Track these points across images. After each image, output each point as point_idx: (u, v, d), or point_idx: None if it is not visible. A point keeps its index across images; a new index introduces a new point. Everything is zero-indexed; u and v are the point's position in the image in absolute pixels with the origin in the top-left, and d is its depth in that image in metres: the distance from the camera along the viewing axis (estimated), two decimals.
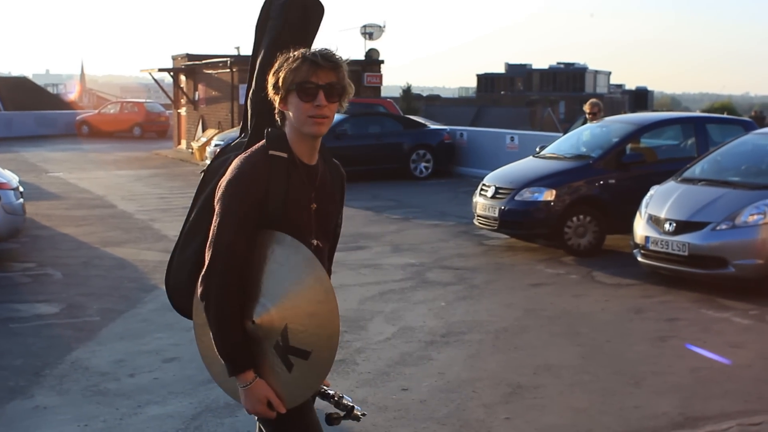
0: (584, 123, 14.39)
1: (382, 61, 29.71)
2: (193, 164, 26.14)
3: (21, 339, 7.87)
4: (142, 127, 41.57)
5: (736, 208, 9.44)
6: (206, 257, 2.88)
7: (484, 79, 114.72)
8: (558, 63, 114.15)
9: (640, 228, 10.16)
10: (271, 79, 2.96)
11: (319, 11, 3.30)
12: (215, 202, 2.92)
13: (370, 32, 30.31)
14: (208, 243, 2.89)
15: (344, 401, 3.12)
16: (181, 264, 3.16)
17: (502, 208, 11.91)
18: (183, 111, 32.84)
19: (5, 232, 11.12)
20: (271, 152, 2.94)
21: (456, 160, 22.57)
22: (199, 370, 6.94)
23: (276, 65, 2.95)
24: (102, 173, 23.56)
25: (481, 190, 12.57)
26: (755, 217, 9.30)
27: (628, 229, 10.67)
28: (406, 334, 8.02)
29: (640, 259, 10.15)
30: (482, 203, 12.34)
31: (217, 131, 26.67)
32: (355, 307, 9.00)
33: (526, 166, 12.97)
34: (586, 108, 14.68)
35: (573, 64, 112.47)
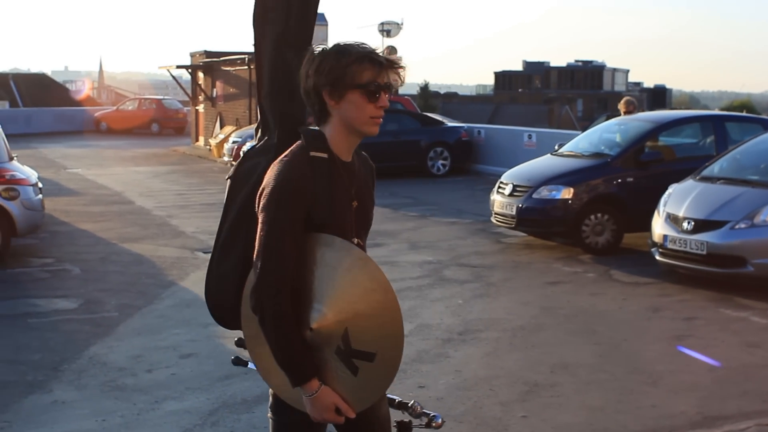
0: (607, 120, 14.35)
1: (400, 58, 29.67)
2: (210, 161, 26.22)
3: (39, 334, 7.92)
4: (160, 124, 41.71)
5: (755, 207, 9.39)
6: (255, 269, 2.76)
7: (502, 77, 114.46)
8: (576, 60, 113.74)
9: (659, 226, 10.11)
10: (317, 77, 2.80)
11: None
12: (259, 210, 2.80)
13: (387, 29, 30.31)
14: (256, 254, 2.77)
15: (423, 410, 3.02)
16: (220, 278, 3.06)
17: (520, 205, 11.88)
18: (201, 108, 32.93)
19: (24, 227, 11.18)
20: (312, 153, 2.83)
21: (473, 157, 22.53)
22: (216, 366, 6.97)
23: (320, 62, 2.79)
24: (120, 169, 23.65)
25: (499, 187, 12.55)
26: None
27: (646, 228, 10.63)
28: (423, 331, 8.02)
29: (658, 257, 10.11)
30: (500, 201, 12.32)
31: (234, 128, 26.73)
32: None
33: (543, 163, 12.94)
34: (621, 106, 14.66)
35: (591, 61, 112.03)
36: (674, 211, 9.98)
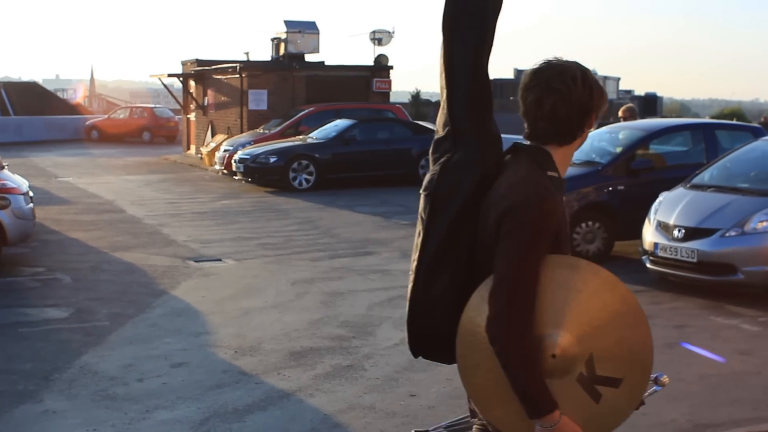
0: None
1: (391, 67, 29.74)
2: (202, 169, 26.19)
3: (30, 343, 7.90)
4: (152, 132, 41.65)
5: (745, 215, 9.43)
6: (498, 296, 2.59)
7: (493, 85, 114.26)
8: None
9: (649, 234, 10.14)
10: (594, 101, 2.77)
11: None
12: (506, 233, 2.63)
13: (379, 38, 30.34)
14: (501, 279, 2.60)
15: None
16: (430, 304, 2.85)
17: None
18: (192, 116, 32.90)
19: (15, 236, 11.16)
20: (549, 173, 2.76)
21: None
22: (207, 375, 6.97)
23: (596, 87, 2.77)
24: (111, 178, 23.61)
25: None
26: (764, 223, 9.28)
27: (637, 236, 10.65)
28: None
29: (648, 265, 10.13)
30: None
31: (226, 136, 26.71)
32: (364, 312, 9.01)
33: None
34: (621, 113, 14.73)
35: None
36: (665, 219, 10.01)
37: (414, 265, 2.93)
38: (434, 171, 2.92)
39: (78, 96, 59.25)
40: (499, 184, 2.76)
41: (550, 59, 2.80)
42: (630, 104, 15.49)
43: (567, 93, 2.72)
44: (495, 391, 2.66)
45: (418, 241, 2.93)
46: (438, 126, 3.02)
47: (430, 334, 2.87)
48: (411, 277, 2.92)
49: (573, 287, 2.64)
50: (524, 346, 2.57)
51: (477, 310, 2.66)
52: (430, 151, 3.01)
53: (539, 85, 2.75)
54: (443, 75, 2.94)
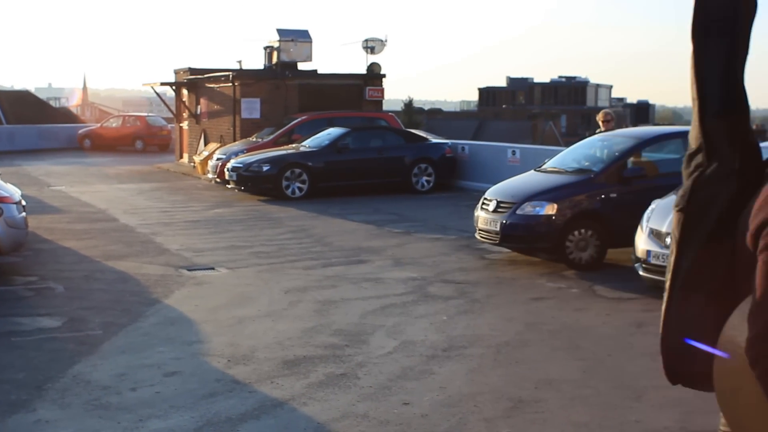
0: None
1: (384, 75, 29.79)
2: (195, 178, 26.19)
3: (23, 353, 7.88)
4: (144, 141, 41.62)
5: None
6: (758, 314, 2.42)
7: (486, 93, 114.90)
8: (559, 77, 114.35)
9: (642, 242, 10.16)
10: None
11: None
12: (765, 247, 2.45)
13: (371, 46, 30.38)
14: (759, 297, 2.42)
15: None
16: (685, 324, 2.75)
17: (504, 222, 11.92)
18: (185, 125, 32.91)
19: (7, 246, 11.14)
20: None
21: (457, 173, 22.60)
22: (201, 384, 6.96)
23: None
24: (104, 187, 23.59)
25: (483, 204, 12.59)
26: None
27: (630, 243, 10.67)
28: (408, 348, 8.03)
29: (641, 273, 10.15)
30: (484, 217, 12.35)
31: (219, 145, 26.71)
32: (357, 321, 9.01)
33: (527, 180, 13.00)
34: (599, 117, 14.86)
35: (574, 77, 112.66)
36: (657, 226, 10.03)
37: (667, 284, 2.81)
38: (687, 186, 2.79)
39: (73, 101, 59.16)
40: (757, 196, 2.56)
41: None
42: (608, 109, 15.66)
43: None
44: (756, 418, 2.48)
45: (671, 259, 2.83)
46: (690, 140, 2.90)
47: (682, 353, 2.77)
48: (664, 297, 2.80)
49: None
50: None
51: (737, 329, 2.48)
52: (683, 167, 2.87)
53: None
54: (694, 86, 2.82)
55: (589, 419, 6.23)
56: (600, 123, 14.87)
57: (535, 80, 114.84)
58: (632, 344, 8.24)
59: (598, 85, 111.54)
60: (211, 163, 24.05)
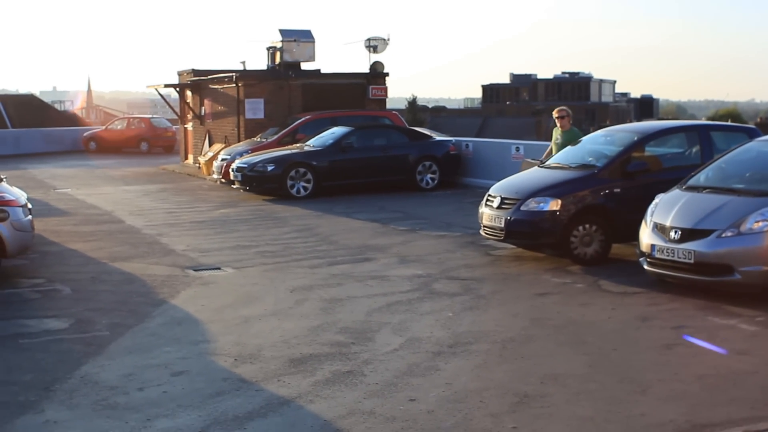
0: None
1: (387, 74, 29.79)
2: (200, 179, 26.23)
3: (31, 354, 7.92)
4: (149, 143, 41.68)
5: (741, 215, 9.46)
6: None
7: (490, 90, 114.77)
8: (563, 72, 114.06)
9: (646, 236, 10.18)
10: None
11: None
12: None
13: (374, 45, 30.39)
14: None
15: None
16: None
17: (508, 218, 11.94)
18: (189, 126, 32.94)
19: (14, 248, 11.19)
20: None
21: (462, 171, 22.60)
22: (208, 383, 7.00)
23: None
24: (109, 189, 23.65)
25: (487, 200, 12.60)
26: (760, 223, 9.31)
27: (634, 238, 10.69)
28: (414, 344, 8.05)
29: (646, 267, 10.17)
30: (488, 214, 12.37)
31: (223, 146, 26.75)
32: (363, 318, 9.04)
33: (531, 176, 13.00)
34: (554, 114, 14.80)
35: (578, 73, 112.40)
36: (661, 220, 10.05)
37: None
38: None
39: (77, 104, 59.24)
40: None
41: None
42: (562, 106, 15.47)
43: None
44: None
45: None
46: None
47: None
48: None
49: None
50: None
51: None
52: None
53: None
54: None
55: (595, 413, 6.24)
56: (556, 120, 14.72)
57: (539, 76, 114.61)
58: (637, 338, 8.26)
59: (601, 81, 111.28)
60: (216, 163, 24.10)
